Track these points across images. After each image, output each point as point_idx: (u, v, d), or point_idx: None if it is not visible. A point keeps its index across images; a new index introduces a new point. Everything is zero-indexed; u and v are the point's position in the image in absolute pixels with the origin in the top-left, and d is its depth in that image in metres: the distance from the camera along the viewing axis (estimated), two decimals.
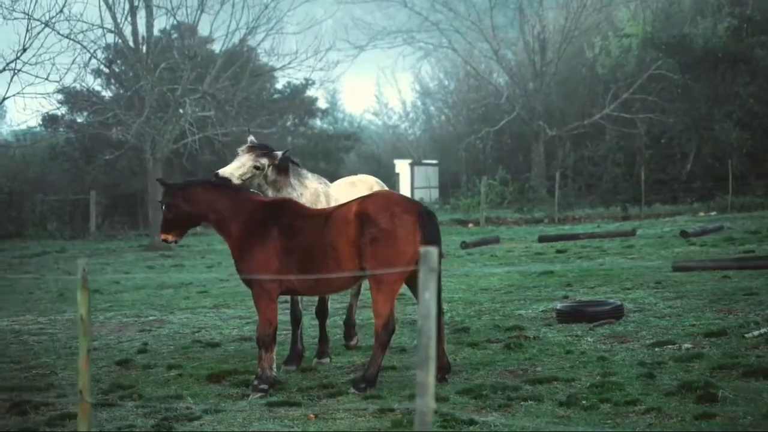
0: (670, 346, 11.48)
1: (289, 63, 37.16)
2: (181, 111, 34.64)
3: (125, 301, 18.97)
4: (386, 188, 12.46)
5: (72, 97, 39.85)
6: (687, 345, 11.48)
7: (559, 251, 24.53)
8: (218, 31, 42.53)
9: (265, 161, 11.06)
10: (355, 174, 13.62)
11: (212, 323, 15.49)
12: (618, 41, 51.09)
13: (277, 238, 10.23)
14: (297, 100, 51.26)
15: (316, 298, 12.20)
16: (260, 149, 11.18)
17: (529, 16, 53.12)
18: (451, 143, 59.14)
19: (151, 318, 16.36)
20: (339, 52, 48.77)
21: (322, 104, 57.61)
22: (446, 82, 63.62)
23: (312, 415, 9.19)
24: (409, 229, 9.87)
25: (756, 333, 11.76)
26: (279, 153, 11.23)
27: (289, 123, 53.21)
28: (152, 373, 11.50)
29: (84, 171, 44.77)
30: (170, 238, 10.79)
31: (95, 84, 42.39)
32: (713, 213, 36.81)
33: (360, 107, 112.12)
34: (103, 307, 18.09)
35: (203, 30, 38.99)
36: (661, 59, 46.66)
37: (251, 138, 11.53)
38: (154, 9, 35.81)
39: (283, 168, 11.23)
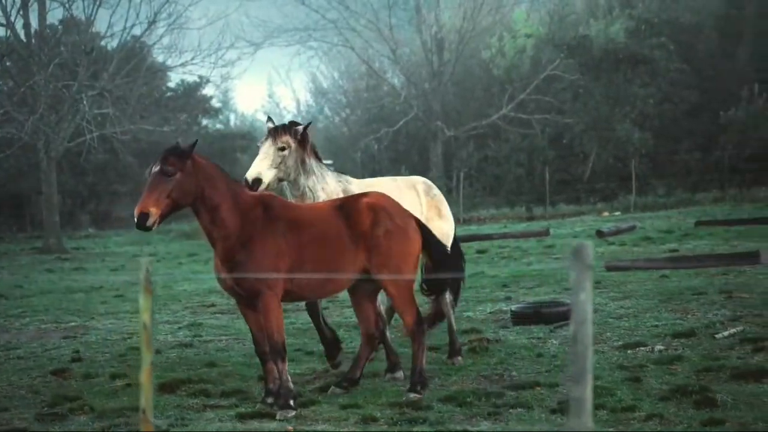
0: (641, 348, 11.08)
1: (192, 59, 36.10)
2: (74, 108, 33.30)
3: (37, 306, 17.87)
4: (434, 187, 11.47)
5: None
6: (659, 347, 11.10)
7: (479, 252, 24.08)
8: (117, 25, 41.01)
9: (287, 138, 10.12)
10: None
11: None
12: (513, 42, 51.21)
13: (287, 233, 9.09)
14: (191, 98, 50.14)
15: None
16: (279, 129, 10.17)
17: (426, 15, 52.92)
18: (345, 143, 58.57)
19: (72, 324, 15.39)
20: (236, 50, 47.95)
21: (215, 103, 56.46)
22: (341, 82, 63.01)
23: (290, 428, 8.49)
24: (415, 229, 9.69)
25: (726, 333, 11.45)
26: (300, 127, 10.28)
27: (182, 122, 51.99)
28: (96, 383, 10.61)
29: None
30: (154, 212, 8.57)
31: None
32: (617, 213, 36.98)
33: (252, 107, 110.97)
34: (16, 313, 17.05)
35: (101, 24, 37.70)
36: (559, 60, 46.88)
37: (268, 124, 10.41)
38: (48, 2, 34.45)
39: (307, 143, 10.26)
